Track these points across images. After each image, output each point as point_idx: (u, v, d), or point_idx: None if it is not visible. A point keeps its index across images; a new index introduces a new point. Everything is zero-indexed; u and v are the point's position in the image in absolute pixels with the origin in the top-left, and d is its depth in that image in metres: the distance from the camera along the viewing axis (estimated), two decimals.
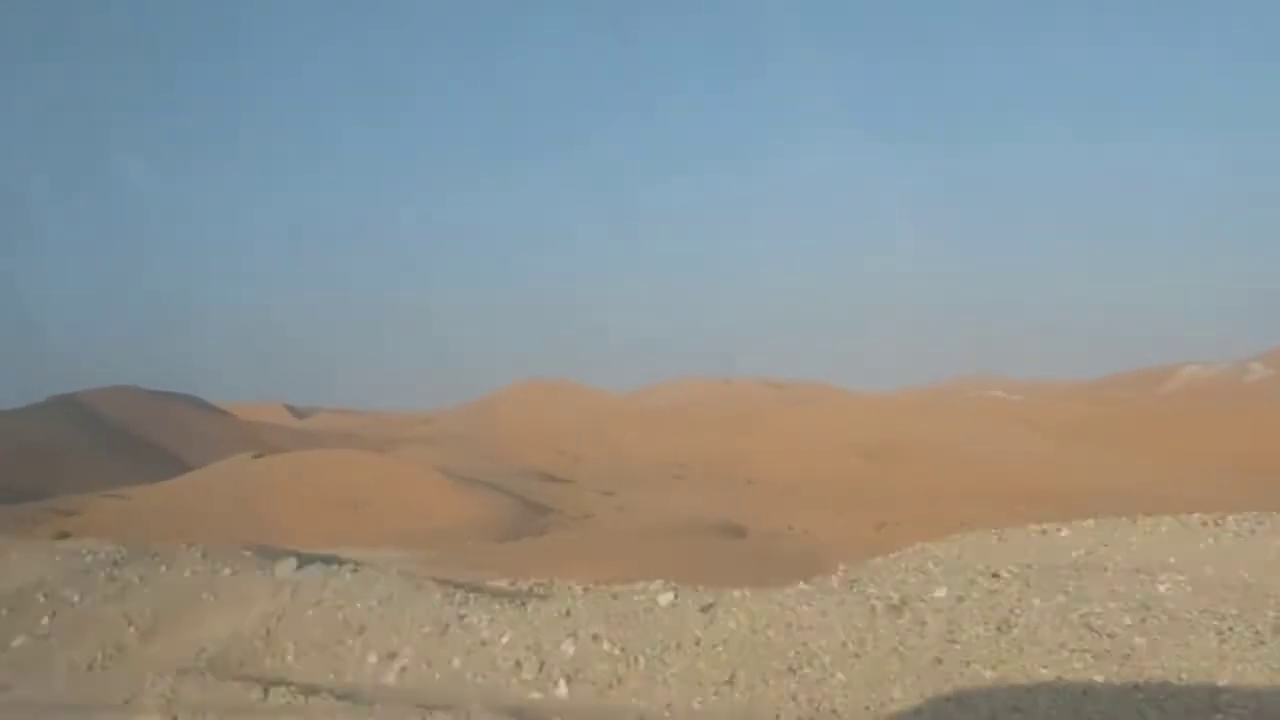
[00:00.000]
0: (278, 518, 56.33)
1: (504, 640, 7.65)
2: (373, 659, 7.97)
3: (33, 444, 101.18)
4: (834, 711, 6.03)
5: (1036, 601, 6.84)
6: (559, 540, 41.35)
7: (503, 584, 10.85)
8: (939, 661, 6.24)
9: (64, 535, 57.18)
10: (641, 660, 6.98)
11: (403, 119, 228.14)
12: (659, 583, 9.25)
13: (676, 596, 8.02)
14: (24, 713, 7.84)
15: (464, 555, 33.37)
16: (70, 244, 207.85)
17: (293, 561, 10.49)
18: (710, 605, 7.59)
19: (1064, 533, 9.35)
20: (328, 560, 10.80)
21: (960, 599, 7.08)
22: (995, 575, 7.53)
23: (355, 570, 9.94)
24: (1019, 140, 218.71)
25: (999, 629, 6.49)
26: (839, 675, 6.29)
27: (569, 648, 7.38)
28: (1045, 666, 5.98)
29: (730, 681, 6.41)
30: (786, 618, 7.10)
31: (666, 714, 6.37)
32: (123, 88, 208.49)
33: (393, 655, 7.96)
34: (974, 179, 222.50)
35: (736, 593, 7.72)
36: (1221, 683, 5.63)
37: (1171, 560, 7.97)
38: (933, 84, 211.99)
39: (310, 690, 7.23)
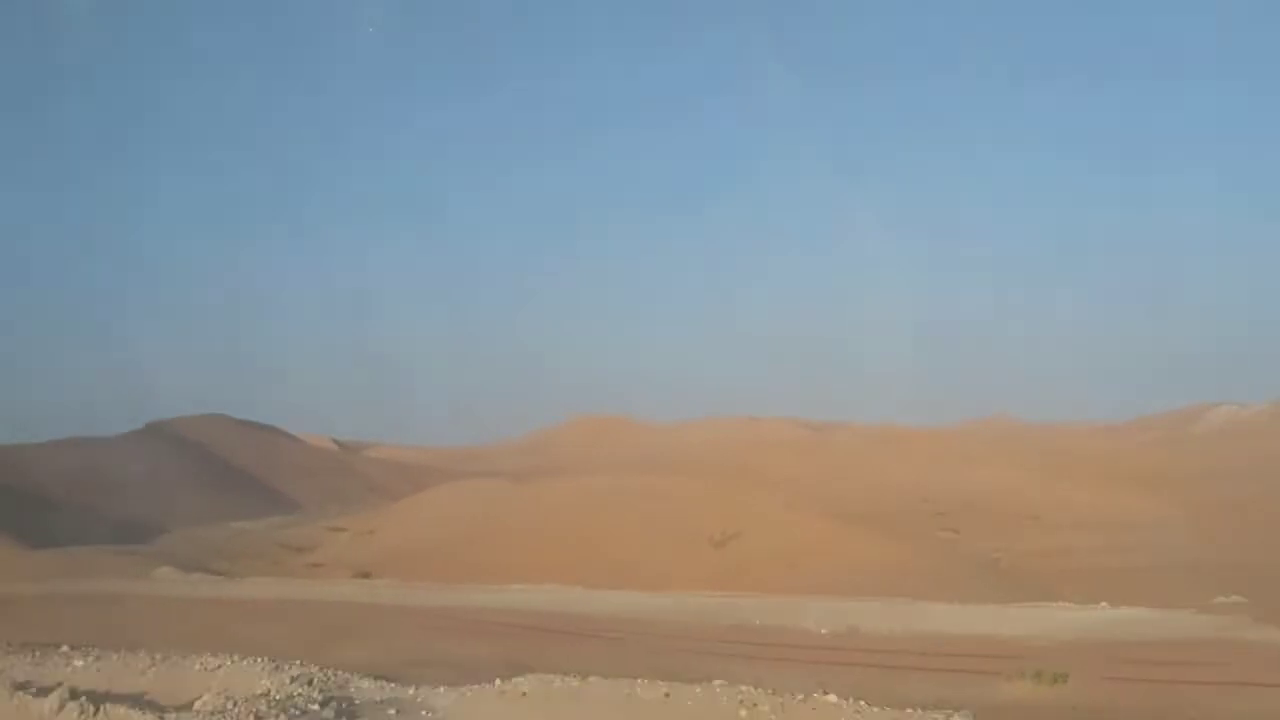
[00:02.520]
0: (606, 552, 48.44)
1: None
2: None
3: (143, 475, 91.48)
4: None
5: None
6: None
7: None
8: None
9: (365, 575, 48.60)
10: None
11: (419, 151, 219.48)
12: None
13: None
14: None
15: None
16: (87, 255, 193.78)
17: None
18: None
19: None
20: None
21: None
22: None
23: None
24: (1034, 172, 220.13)
25: None
26: None
27: None
28: None
29: None
30: None
31: None
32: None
33: None
34: (981, 211, 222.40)
35: None
36: None
37: None
38: (942, 117, 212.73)
39: None
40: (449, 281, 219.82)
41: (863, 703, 11.63)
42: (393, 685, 14.21)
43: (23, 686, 11.79)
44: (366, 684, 13.87)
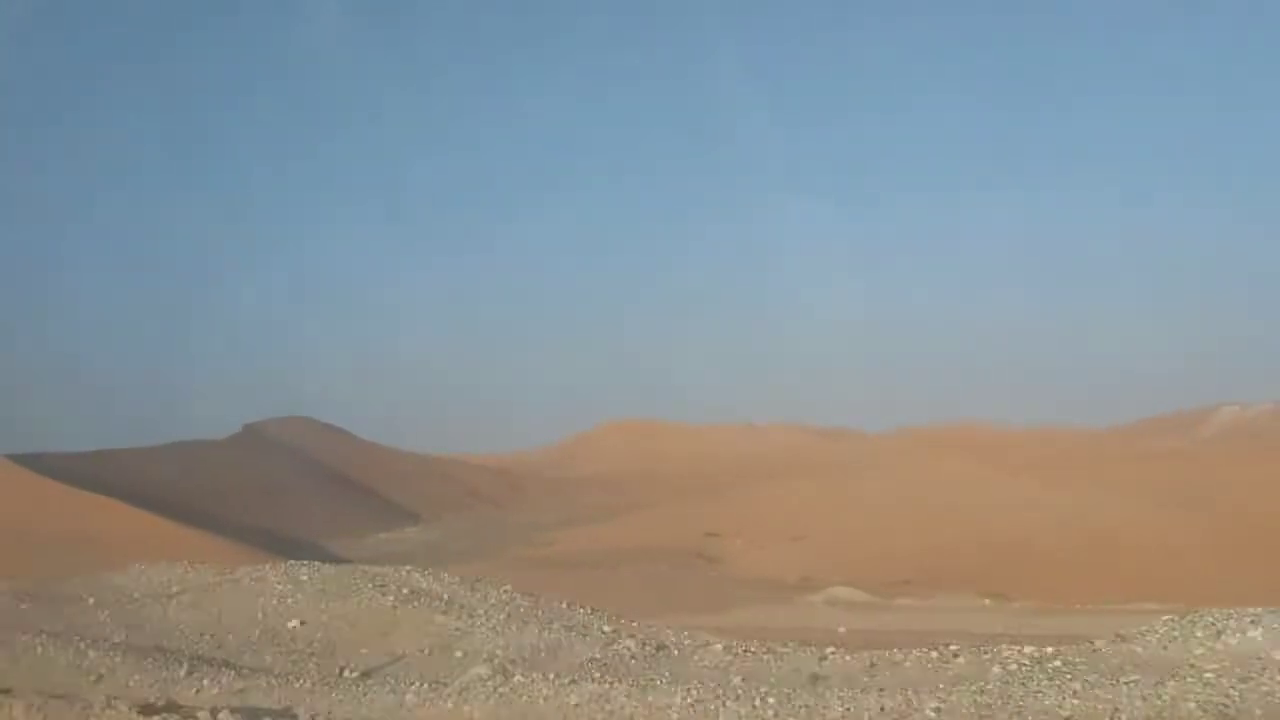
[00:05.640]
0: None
1: None
2: None
3: (260, 480, 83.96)
4: None
5: None
6: None
7: None
8: None
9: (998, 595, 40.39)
10: None
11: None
12: None
13: None
14: None
15: None
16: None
17: None
18: None
19: None
20: None
21: None
22: None
23: None
24: (1033, 175, 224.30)
25: None
26: None
27: None
28: None
29: None
30: None
31: None
32: None
33: None
34: (976, 215, 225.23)
35: None
36: None
37: None
38: (934, 125, 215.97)
39: None
40: (467, 290, 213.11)
41: None
42: None
43: None
44: None
